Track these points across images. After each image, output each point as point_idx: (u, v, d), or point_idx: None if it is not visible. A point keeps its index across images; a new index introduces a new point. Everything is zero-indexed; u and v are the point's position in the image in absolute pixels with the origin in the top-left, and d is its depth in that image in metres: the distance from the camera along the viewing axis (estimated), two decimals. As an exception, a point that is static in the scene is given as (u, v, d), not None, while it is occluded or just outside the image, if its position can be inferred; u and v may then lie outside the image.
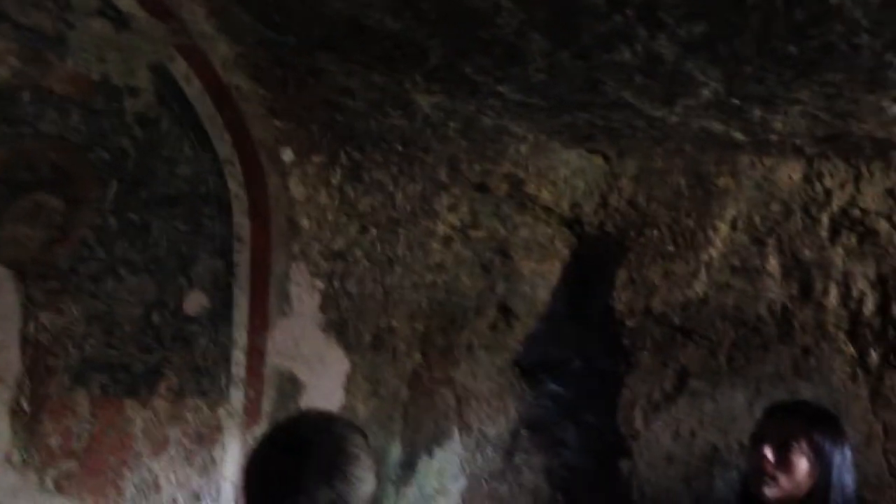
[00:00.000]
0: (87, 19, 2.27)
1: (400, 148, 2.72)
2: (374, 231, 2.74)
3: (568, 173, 3.06)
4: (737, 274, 3.11)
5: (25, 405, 2.35)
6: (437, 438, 3.09)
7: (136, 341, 2.49)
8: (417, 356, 2.94)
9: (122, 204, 2.42)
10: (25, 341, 2.33)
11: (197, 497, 2.62)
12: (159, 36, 2.35)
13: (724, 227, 3.08)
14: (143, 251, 2.46)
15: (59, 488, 2.43)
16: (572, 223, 3.20)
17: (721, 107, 2.52)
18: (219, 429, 2.61)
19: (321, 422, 1.68)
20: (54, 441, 2.41)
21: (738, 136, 2.77)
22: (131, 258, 2.45)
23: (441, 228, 2.90)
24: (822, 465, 2.18)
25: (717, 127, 2.71)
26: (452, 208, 2.90)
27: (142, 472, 2.54)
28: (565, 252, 3.25)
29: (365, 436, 1.66)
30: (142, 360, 2.50)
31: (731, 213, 3.07)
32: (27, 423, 2.36)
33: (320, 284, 2.67)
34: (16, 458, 2.34)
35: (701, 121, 2.66)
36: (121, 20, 2.32)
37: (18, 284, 2.30)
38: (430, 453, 3.06)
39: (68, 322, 2.39)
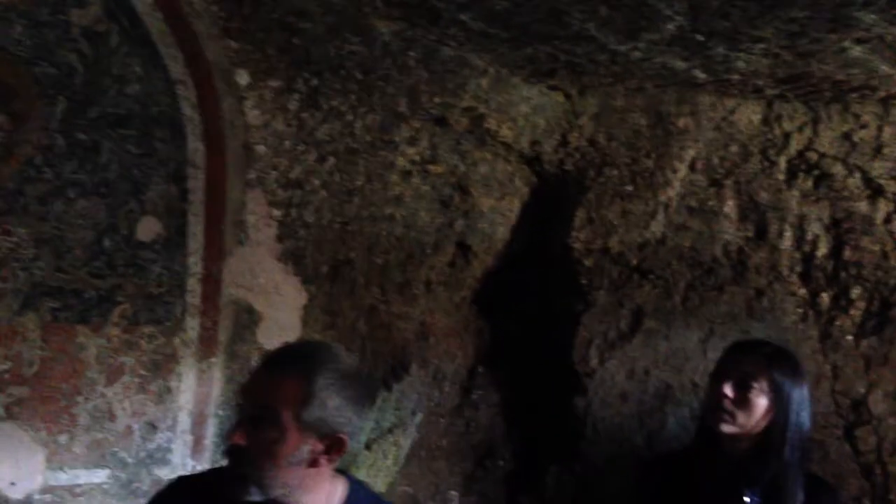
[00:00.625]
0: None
1: (359, 76, 2.66)
2: (332, 160, 2.69)
3: (528, 110, 3.03)
4: (694, 215, 3.13)
5: (-30, 329, 2.30)
6: (395, 373, 3.08)
7: (88, 266, 2.44)
8: (376, 290, 2.91)
9: (70, 123, 2.35)
10: (-30, 264, 2.28)
11: (153, 426, 2.59)
12: (111, -55, 2.26)
13: (682, 168, 3.09)
14: (93, 173, 2.40)
15: (10, 414, 2.40)
16: (532, 161, 3.18)
17: (685, 43, 2.50)
18: (174, 358, 2.58)
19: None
20: (3, 366, 2.37)
21: (700, 74, 2.76)
22: (81, 180, 2.39)
23: (400, 161, 2.85)
24: (780, 403, 2.22)
25: (680, 64, 2.69)
26: (412, 141, 2.86)
27: (95, 399, 2.50)
28: (525, 190, 3.24)
29: None
30: (94, 285, 2.46)
31: (690, 153, 3.07)
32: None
33: (277, 213, 2.62)
34: (-41, 383, 2.31)
35: (664, 57, 2.64)
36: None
37: (-40, 206, 2.24)
38: (388, 387, 3.06)
39: (15, 244, 2.33)
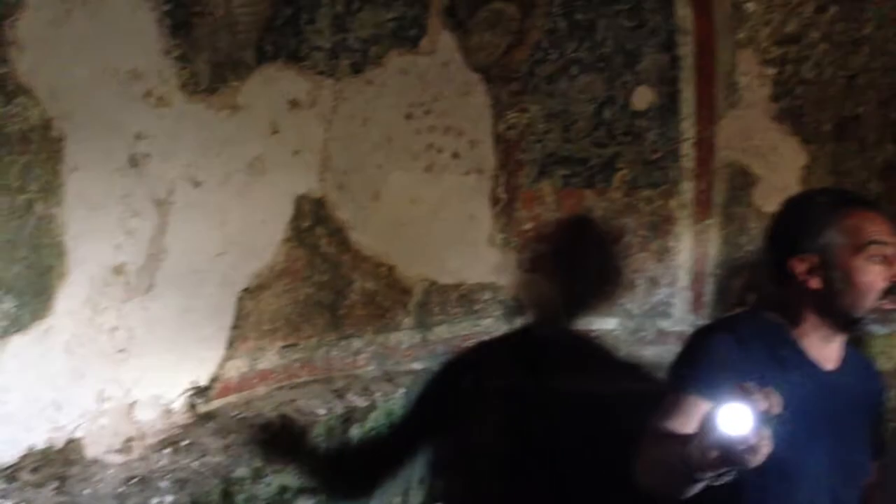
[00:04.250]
0: None
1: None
2: (833, 9, 2.49)
3: None
4: None
5: (502, 193, 2.73)
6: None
7: (591, 136, 2.69)
8: (891, 146, 2.64)
9: (569, 5, 2.59)
10: (497, 138, 2.69)
11: (654, 282, 2.79)
12: None
13: None
14: (592, 50, 2.62)
15: (534, 268, 2.80)
16: None
17: None
18: (671, 219, 2.72)
19: None
20: (527, 226, 2.78)
21: None
22: (581, 57, 2.63)
23: (922, 2, 2.51)
24: None
25: None
26: (937, -21, 2.48)
27: (603, 256, 2.79)
28: None
29: None
30: (597, 153, 2.71)
31: None
32: (504, 209, 2.75)
33: (771, 72, 2.54)
34: (497, 239, 2.77)
35: None
36: None
37: (487, 87, 2.64)
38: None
39: (530, 120, 2.68)
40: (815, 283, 1.63)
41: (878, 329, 1.64)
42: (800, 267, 1.64)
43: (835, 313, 1.63)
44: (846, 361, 1.70)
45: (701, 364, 1.61)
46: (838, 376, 1.67)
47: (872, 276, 1.58)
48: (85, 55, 1.77)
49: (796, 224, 1.69)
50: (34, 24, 1.65)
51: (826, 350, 1.67)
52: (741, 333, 1.65)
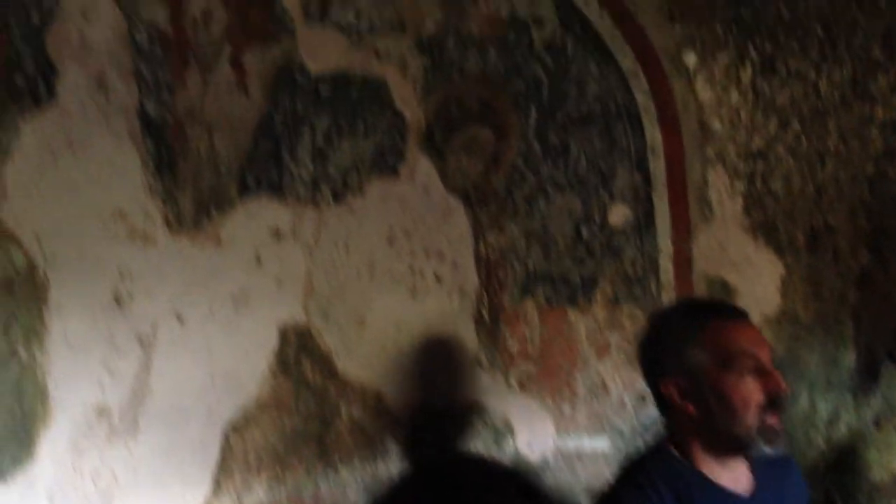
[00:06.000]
0: (491, -36, 2.54)
1: (819, 31, 2.52)
2: (796, 125, 2.59)
3: None
4: None
5: (485, 314, 2.74)
6: (900, 345, 2.81)
7: (571, 254, 2.72)
8: (865, 254, 2.70)
9: (542, 128, 2.66)
10: (478, 259, 2.71)
11: (643, 398, 2.77)
12: (555, -35, 2.53)
13: None
14: (566, 170, 2.68)
15: (521, 387, 2.78)
16: None
17: None
18: (655, 334, 2.73)
19: None
20: (512, 346, 2.77)
21: None
22: (556, 178, 2.69)
23: (881, 112, 2.61)
24: None
25: None
26: (894, 88, 2.60)
27: (590, 374, 2.77)
28: None
29: None
30: (577, 271, 2.74)
31: None
32: (489, 330, 2.75)
33: (741, 186, 2.62)
34: (483, 360, 2.75)
35: None
36: (519, -42, 2.55)
37: (467, 210, 2.68)
38: (893, 359, 2.80)
39: (510, 240, 2.71)
40: (689, 407, 1.52)
41: (766, 451, 1.50)
42: (671, 391, 1.55)
43: (718, 437, 1.51)
44: (761, 477, 1.58)
45: None
46: (755, 500, 1.55)
47: (747, 392, 1.47)
48: (70, 197, 1.80)
49: (658, 345, 1.60)
50: (21, 170, 1.68)
51: (735, 473, 1.56)
52: (650, 483, 1.52)
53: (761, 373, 1.48)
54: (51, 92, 1.73)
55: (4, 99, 1.63)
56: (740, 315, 1.59)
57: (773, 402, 1.48)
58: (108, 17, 1.85)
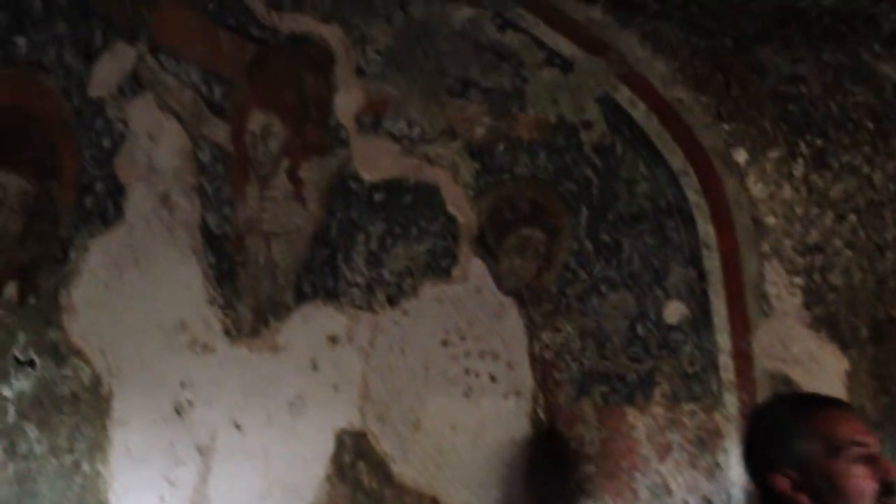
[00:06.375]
0: (538, 71, 2.61)
1: (870, 125, 2.52)
2: (853, 218, 2.56)
3: None
4: None
5: (541, 414, 2.71)
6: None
7: (627, 352, 2.70)
8: (933, 349, 2.63)
9: (594, 228, 2.69)
10: (533, 359, 2.70)
11: (708, 501, 2.69)
12: (601, 70, 2.58)
13: None
14: (619, 268, 2.68)
15: (581, 489, 2.73)
16: None
17: None
18: (718, 433, 2.66)
19: None
20: (570, 447, 2.72)
21: None
22: (610, 276, 2.69)
23: (938, 204, 2.58)
24: None
25: None
26: (950, 179, 2.57)
27: (651, 475, 2.70)
28: None
29: None
30: (634, 369, 2.70)
31: None
32: (546, 431, 2.71)
33: (799, 281, 2.58)
34: (541, 462, 2.70)
35: None
36: (566, 65, 2.62)
37: (520, 310, 2.69)
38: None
39: (565, 339, 2.70)
40: (803, 498, 1.51)
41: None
42: (782, 484, 1.53)
43: None
44: None
45: None
46: None
47: (859, 478, 1.48)
48: (134, 311, 1.85)
49: (765, 438, 1.60)
50: (89, 287, 1.73)
51: None
52: None
53: (870, 460, 1.50)
54: (118, 212, 1.80)
55: (76, 222, 1.70)
56: (843, 405, 1.64)
57: (888, 489, 1.49)
58: (174, 138, 1.94)
